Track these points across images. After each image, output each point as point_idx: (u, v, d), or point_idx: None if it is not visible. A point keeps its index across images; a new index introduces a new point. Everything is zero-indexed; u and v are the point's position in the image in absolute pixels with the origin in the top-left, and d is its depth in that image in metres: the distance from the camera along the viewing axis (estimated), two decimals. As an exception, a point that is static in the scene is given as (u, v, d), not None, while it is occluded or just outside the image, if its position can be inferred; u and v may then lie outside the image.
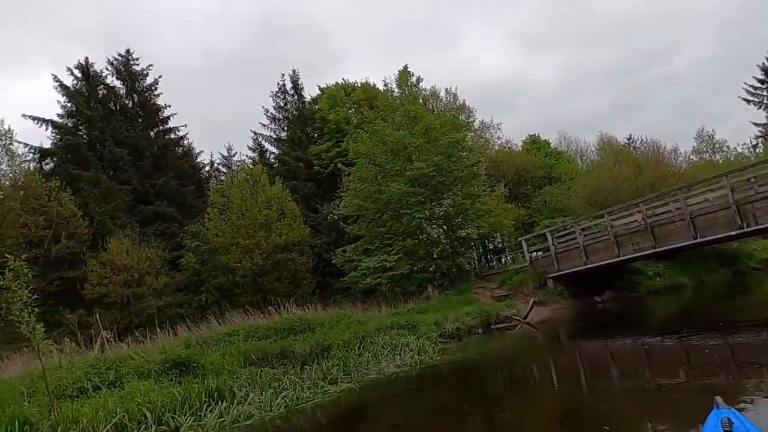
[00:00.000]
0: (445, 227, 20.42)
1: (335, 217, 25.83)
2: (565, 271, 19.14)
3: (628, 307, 17.97)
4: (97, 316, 14.42)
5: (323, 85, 37.34)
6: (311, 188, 32.73)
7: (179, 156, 32.22)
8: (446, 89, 39.89)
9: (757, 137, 42.20)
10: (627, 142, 44.61)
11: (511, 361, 11.14)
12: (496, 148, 40.76)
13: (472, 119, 39.72)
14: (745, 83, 42.76)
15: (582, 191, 26.55)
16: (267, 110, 36.57)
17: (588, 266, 18.36)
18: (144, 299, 23.86)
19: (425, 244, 20.56)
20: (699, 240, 15.35)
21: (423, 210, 20.81)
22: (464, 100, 39.35)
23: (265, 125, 36.53)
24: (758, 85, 42.84)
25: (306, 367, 10.40)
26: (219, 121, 56.27)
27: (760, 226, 14.11)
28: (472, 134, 38.97)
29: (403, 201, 21.47)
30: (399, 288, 21.62)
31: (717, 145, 46.19)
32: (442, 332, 14.34)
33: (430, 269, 20.48)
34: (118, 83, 31.22)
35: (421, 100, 36.09)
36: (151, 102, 31.95)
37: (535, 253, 20.69)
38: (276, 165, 34.99)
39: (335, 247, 27.14)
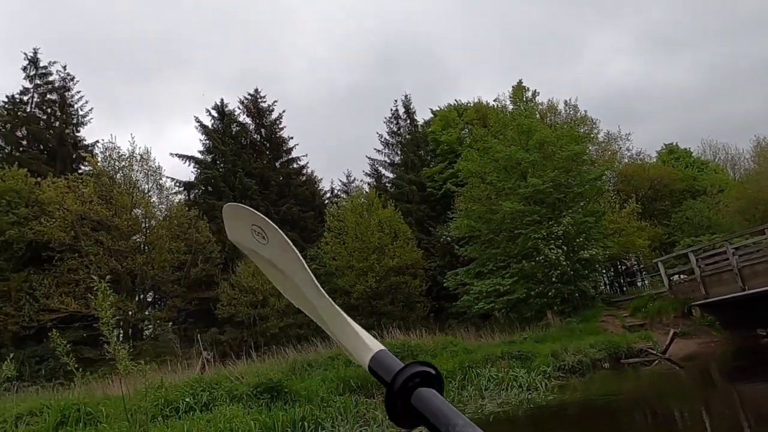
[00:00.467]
0: (565, 248, 18.52)
1: (448, 239, 24.98)
2: (716, 298, 16.16)
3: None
4: (198, 337, 15.03)
5: (436, 108, 37.17)
6: (424, 210, 32.37)
7: (300, 184, 33.88)
8: (565, 101, 37.44)
9: None
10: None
11: (647, 405, 9.30)
12: (626, 160, 37.03)
13: (595, 131, 36.76)
14: None
15: (734, 204, 22.67)
16: (381, 135, 37.25)
17: (746, 292, 15.28)
18: (268, 319, 25.00)
19: (543, 266, 18.82)
20: None
21: (540, 230, 19.16)
22: (585, 111, 36.54)
23: (379, 150, 37.18)
24: None
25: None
26: (343, 150, 58.96)
27: None
28: (596, 147, 36.02)
29: (518, 220, 20.00)
30: (515, 314, 20.04)
31: None
32: (561, 365, 12.70)
33: (549, 294, 18.65)
34: (248, 120, 33.95)
35: (538, 116, 34.37)
36: (277, 135, 34.20)
37: (676, 276, 17.81)
38: (391, 189, 35.31)
39: (449, 269, 26.25)
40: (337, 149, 58.54)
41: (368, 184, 37.06)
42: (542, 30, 69.55)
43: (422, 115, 38.40)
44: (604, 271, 26.12)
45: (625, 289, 22.48)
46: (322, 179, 37.13)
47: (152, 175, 26.69)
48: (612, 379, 12.41)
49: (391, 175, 37.29)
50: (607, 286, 27.40)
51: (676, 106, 57.31)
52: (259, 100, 34.11)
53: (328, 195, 38.07)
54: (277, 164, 34.08)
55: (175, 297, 25.83)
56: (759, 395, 9.55)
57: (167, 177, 29.11)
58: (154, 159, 27.16)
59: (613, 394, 9.96)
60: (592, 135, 36.73)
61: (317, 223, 31.84)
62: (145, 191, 26.53)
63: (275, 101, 34.02)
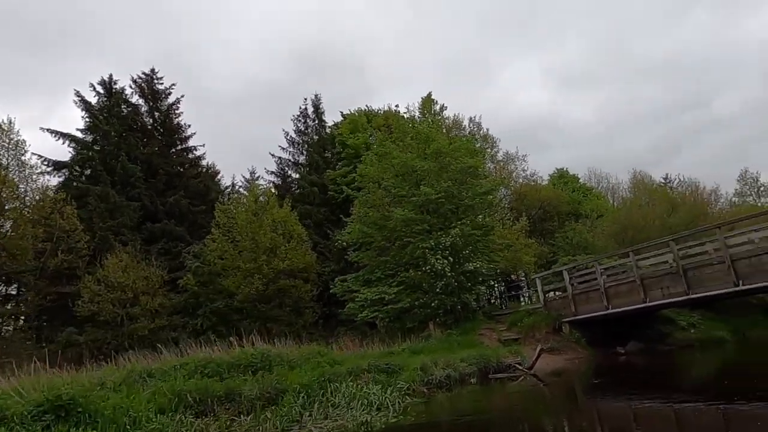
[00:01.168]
0: (452, 259, 18.29)
1: (343, 244, 24.03)
2: (583, 316, 16.62)
3: (657, 362, 15.27)
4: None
5: (346, 112, 36.32)
6: (324, 213, 31.25)
7: (194, 176, 31.35)
8: (470, 118, 38.30)
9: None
10: (663, 181, 41.54)
11: (508, 425, 8.82)
12: (521, 180, 38.49)
13: (495, 149, 37.82)
14: None
15: (609, 229, 23.94)
16: (287, 133, 35.70)
17: (609, 311, 15.81)
18: (137, 320, 22.49)
19: (429, 276, 18.46)
20: (741, 287, 12.73)
21: (428, 239, 18.81)
22: (488, 129, 37.62)
23: (284, 148, 35.58)
24: None
25: (245, 416, 8.47)
26: (257, 148, 56.35)
27: None
28: (494, 165, 37.07)
29: (408, 229, 19.55)
30: (398, 324, 19.49)
31: (762, 189, 42.32)
32: (429, 380, 12.13)
33: (432, 305, 18.31)
34: (141, 101, 30.91)
35: (444, 130, 34.71)
36: (172, 121, 31.46)
37: (552, 293, 18.20)
38: (294, 189, 33.87)
39: (342, 275, 25.32)
40: (251, 147, 55.92)
41: (272, 182, 35.38)
42: (463, 51, 71.57)
43: (333, 117, 37.42)
44: (494, 284, 26.48)
45: (504, 304, 22.81)
46: (222, 175, 34.78)
47: (12, 150, 23.22)
48: (478, 394, 12.02)
49: (295, 175, 35.82)
50: (498, 300, 27.81)
51: (576, 138, 61.29)
52: (156, 81, 31.19)
53: (229, 191, 35.80)
54: (170, 152, 31.32)
55: (30, 290, 22.55)
56: (615, 411, 9.53)
57: (34, 153, 25.58)
58: (18, 131, 23.67)
59: (468, 414, 9.44)
60: (492, 152, 37.90)
61: (209, 219, 29.56)
62: (4, 166, 23.01)
63: (173, 84, 31.28)
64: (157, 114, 31.16)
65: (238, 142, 59.20)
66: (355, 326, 23.02)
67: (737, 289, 12.80)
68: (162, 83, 31.27)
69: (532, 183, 37.56)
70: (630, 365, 15.23)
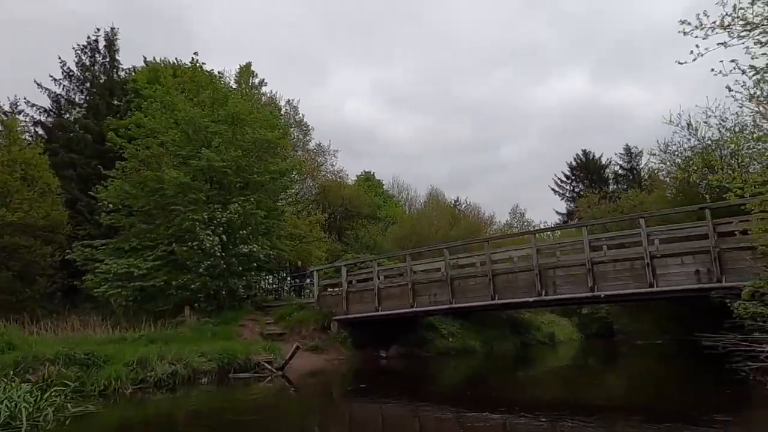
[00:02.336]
0: (225, 238, 15.76)
1: (100, 204, 19.44)
2: (354, 315, 15.65)
3: (414, 367, 15.02)
4: None
5: (150, 58, 30.75)
6: (95, 168, 25.57)
7: None
8: (288, 100, 36.13)
9: (556, 224, 45.50)
10: (454, 202, 45.07)
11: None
12: (329, 176, 37.60)
13: (308, 138, 36.29)
14: (555, 176, 46.95)
15: (396, 233, 24.07)
16: (64, 63, 28.61)
17: (379, 313, 15.08)
18: None
19: (195, 253, 15.61)
20: (497, 301, 12.97)
21: (201, 212, 15.95)
22: (304, 115, 35.92)
23: (57, 80, 28.45)
24: (564, 179, 47.23)
25: None
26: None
27: (559, 296, 12.09)
28: (303, 153, 35.47)
29: (181, 196, 16.40)
30: (151, 304, 16.14)
31: (526, 223, 48.98)
32: (145, 377, 9.45)
33: (192, 286, 15.48)
34: None
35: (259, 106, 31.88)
36: None
37: (330, 289, 16.94)
38: (61, 133, 27.14)
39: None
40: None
41: (37, 120, 27.90)
42: (301, 46, 68.78)
43: (133, 62, 31.32)
44: (282, 274, 24.39)
45: (285, 295, 20.98)
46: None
47: None
48: (210, 397, 9.76)
49: (69, 117, 28.89)
50: (280, 291, 25.71)
51: (392, 154, 63.65)
52: None
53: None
54: None
55: None
56: (366, 414, 8.30)
57: None
58: None
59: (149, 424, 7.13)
60: (305, 140, 36.26)
61: None
62: None
63: None
64: None
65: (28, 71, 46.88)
66: (103, 304, 18.71)
67: (493, 302, 13.01)
68: None
69: (339, 180, 36.94)
70: (389, 369, 14.70)
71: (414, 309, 14.35)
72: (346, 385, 12.20)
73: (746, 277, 9.81)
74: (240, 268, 16.13)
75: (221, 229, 15.77)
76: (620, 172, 46.35)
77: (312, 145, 35.35)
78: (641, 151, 41.57)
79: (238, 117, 18.13)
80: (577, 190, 45.42)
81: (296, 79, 57.15)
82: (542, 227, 43.78)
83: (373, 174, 41.83)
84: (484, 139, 67.57)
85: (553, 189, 46.78)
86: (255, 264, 16.57)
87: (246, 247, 16.07)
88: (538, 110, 67.05)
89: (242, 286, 16.27)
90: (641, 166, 43.13)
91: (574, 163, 48.45)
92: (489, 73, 73.06)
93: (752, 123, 11.84)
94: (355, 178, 41.48)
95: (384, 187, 41.68)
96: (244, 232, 16.32)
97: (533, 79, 72.53)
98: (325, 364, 14.35)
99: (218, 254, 15.49)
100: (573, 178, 47.96)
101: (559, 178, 47.63)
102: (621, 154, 45.93)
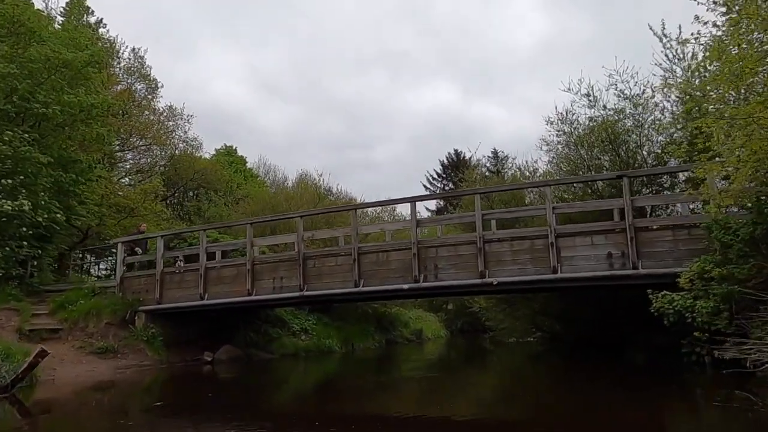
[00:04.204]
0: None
1: None
2: (170, 305, 11.39)
3: (250, 373, 11.28)
4: None
5: None
6: None
7: None
8: (133, 48, 29.65)
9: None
10: (326, 190, 41.87)
11: None
12: (182, 145, 31.79)
13: (158, 97, 30.21)
14: (427, 172, 47.15)
15: (248, 207, 19.97)
16: None
17: (204, 302, 11.05)
18: None
19: None
20: (362, 288, 9.80)
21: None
22: (151, 69, 29.72)
23: None
24: (436, 177, 47.26)
25: None
26: None
27: (442, 283, 9.32)
28: (152, 115, 29.47)
29: None
30: None
31: (396, 217, 47.70)
32: None
33: None
34: None
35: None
36: None
37: (139, 269, 12.40)
38: None
39: None
40: None
41: None
42: (167, 15, 59.71)
43: None
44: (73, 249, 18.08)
45: (70, 275, 15.39)
46: None
47: None
48: None
49: None
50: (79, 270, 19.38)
51: (263, 142, 58.46)
52: None
53: None
54: None
55: None
56: None
57: None
58: None
59: None
60: (152, 99, 30.07)
61: None
62: None
63: None
64: None
65: None
66: None
67: (357, 290, 9.84)
68: None
69: (191, 149, 31.39)
70: (214, 378, 10.76)
71: (252, 297, 10.59)
72: (139, 405, 8.10)
73: (667, 264, 7.90)
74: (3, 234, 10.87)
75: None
76: (487, 174, 47.39)
77: (161, 106, 29.37)
78: (507, 156, 42.43)
79: (24, 25, 12.74)
80: (447, 188, 45.26)
81: (158, 49, 48.98)
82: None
83: (235, 148, 36.73)
84: (356, 137, 65.45)
85: (424, 185, 46.06)
86: (24, 230, 11.37)
87: (9, 203, 10.87)
88: (406, 114, 67.13)
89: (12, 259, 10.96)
90: (506, 169, 44.41)
91: (446, 162, 48.45)
92: (360, 75, 71.41)
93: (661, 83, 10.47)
94: (214, 152, 36.11)
95: (248, 165, 36.86)
96: (10, 181, 11.11)
97: (402, 87, 72.77)
98: (116, 375, 9.95)
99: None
100: (444, 176, 47.97)
101: (431, 176, 47.36)
102: (489, 156, 46.81)
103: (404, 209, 10.52)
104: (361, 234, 11.24)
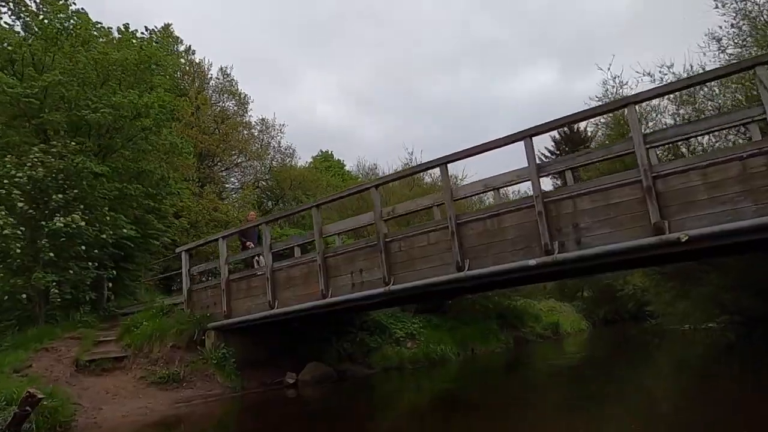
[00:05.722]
0: (22, 205, 9.40)
1: None
2: (239, 319, 9.34)
3: (343, 395, 8.83)
4: None
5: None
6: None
7: None
8: (221, 67, 29.67)
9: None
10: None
11: None
12: (278, 157, 31.27)
13: (250, 113, 30.02)
14: (538, 151, 43.21)
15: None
16: None
17: (274, 311, 8.79)
18: None
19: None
20: (467, 273, 6.77)
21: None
22: (238, 82, 29.38)
23: None
24: (548, 154, 42.78)
25: None
26: None
27: (583, 252, 5.95)
28: (246, 131, 29.26)
29: None
30: None
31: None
32: None
33: None
34: None
35: (179, 74, 25.91)
36: None
37: (204, 278, 10.67)
38: None
39: None
40: None
41: None
42: (268, 52, 62.31)
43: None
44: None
45: (141, 293, 14.05)
46: None
47: None
48: None
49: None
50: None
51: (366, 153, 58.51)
52: None
53: None
54: None
55: None
56: None
57: None
58: None
59: None
60: (243, 114, 29.86)
61: None
62: None
63: None
64: None
65: None
66: None
67: (461, 275, 6.83)
68: None
69: (286, 161, 30.72)
70: (300, 404, 8.48)
71: (328, 300, 8.08)
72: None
73: None
74: (52, 255, 9.69)
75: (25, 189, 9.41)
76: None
77: (254, 120, 29.31)
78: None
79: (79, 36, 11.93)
80: (562, 161, 40.31)
81: (274, 85, 51.12)
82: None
83: (331, 153, 35.60)
84: (462, 135, 62.29)
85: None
86: (84, 248, 10.12)
87: (61, 219, 9.65)
88: (508, 103, 62.17)
89: (55, 284, 9.77)
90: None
91: (558, 136, 43.63)
92: (450, 74, 67.94)
93: None
94: (311, 160, 35.33)
95: (346, 168, 35.50)
96: (61, 196, 9.94)
97: (498, 75, 67.74)
98: (179, 408, 8.05)
99: (6, 232, 9.11)
100: (558, 153, 43.20)
101: (543, 154, 42.77)
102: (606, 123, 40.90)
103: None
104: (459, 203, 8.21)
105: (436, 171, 9.31)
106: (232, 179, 30.07)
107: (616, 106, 5.98)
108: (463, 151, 7.07)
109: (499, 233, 6.68)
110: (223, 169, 28.37)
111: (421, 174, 18.26)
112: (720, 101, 8.84)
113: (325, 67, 67.87)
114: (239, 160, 29.18)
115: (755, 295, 9.85)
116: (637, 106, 5.79)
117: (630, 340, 15.68)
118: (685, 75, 9.17)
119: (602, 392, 7.10)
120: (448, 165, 7.23)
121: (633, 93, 5.78)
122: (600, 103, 8.06)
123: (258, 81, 53.79)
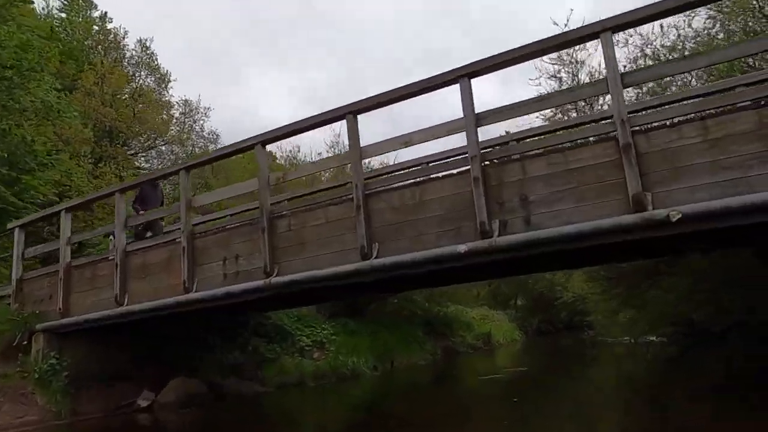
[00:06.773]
0: None
1: None
2: (78, 318, 6.91)
3: (216, 425, 6.65)
4: None
5: None
6: None
7: None
8: (139, 38, 26.35)
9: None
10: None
11: None
12: (199, 141, 28.30)
13: (169, 91, 26.93)
14: None
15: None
16: None
17: (121, 310, 6.47)
18: None
19: None
20: (374, 262, 4.84)
21: None
22: (157, 56, 26.27)
23: None
24: None
25: None
26: None
27: (534, 234, 4.19)
28: (166, 113, 26.18)
29: None
30: None
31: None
32: None
33: None
34: None
35: (91, 42, 23.07)
36: None
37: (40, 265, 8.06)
38: None
39: None
40: None
41: None
42: (220, 47, 58.25)
43: None
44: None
45: None
46: None
47: None
48: None
49: None
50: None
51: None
52: None
53: None
54: None
55: None
56: None
57: None
58: None
59: None
60: (163, 92, 26.73)
61: None
62: None
63: None
64: None
65: None
66: None
67: (366, 265, 4.90)
68: None
69: (211, 147, 27.84)
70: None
71: (190, 296, 5.89)
72: None
73: None
74: None
75: None
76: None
77: (176, 99, 26.32)
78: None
79: None
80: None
81: (225, 81, 47.18)
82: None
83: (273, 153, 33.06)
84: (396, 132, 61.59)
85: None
86: None
87: None
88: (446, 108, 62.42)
89: None
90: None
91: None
92: (406, 74, 67.36)
93: None
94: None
95: (276, 160, 33.07)
96: None
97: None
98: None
99: None
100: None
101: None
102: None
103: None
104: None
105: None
106: (147, 164, 26.91)
107: (588, 33, 4.25)
108: (375, 96, 5.15)
109: (420, 208, 4.81)
110: (131, 151, 25.19)
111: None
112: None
113: (275, 64, 65.04)
114: (156, 144, 26.11)
115: (708, 303, 8.65)
116: (615, 36, 4.15)
117: (566, 351, 14.44)
118: None
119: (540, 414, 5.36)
120: (358, 116, 5.28)
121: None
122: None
123: (206, 78, 50.29)
